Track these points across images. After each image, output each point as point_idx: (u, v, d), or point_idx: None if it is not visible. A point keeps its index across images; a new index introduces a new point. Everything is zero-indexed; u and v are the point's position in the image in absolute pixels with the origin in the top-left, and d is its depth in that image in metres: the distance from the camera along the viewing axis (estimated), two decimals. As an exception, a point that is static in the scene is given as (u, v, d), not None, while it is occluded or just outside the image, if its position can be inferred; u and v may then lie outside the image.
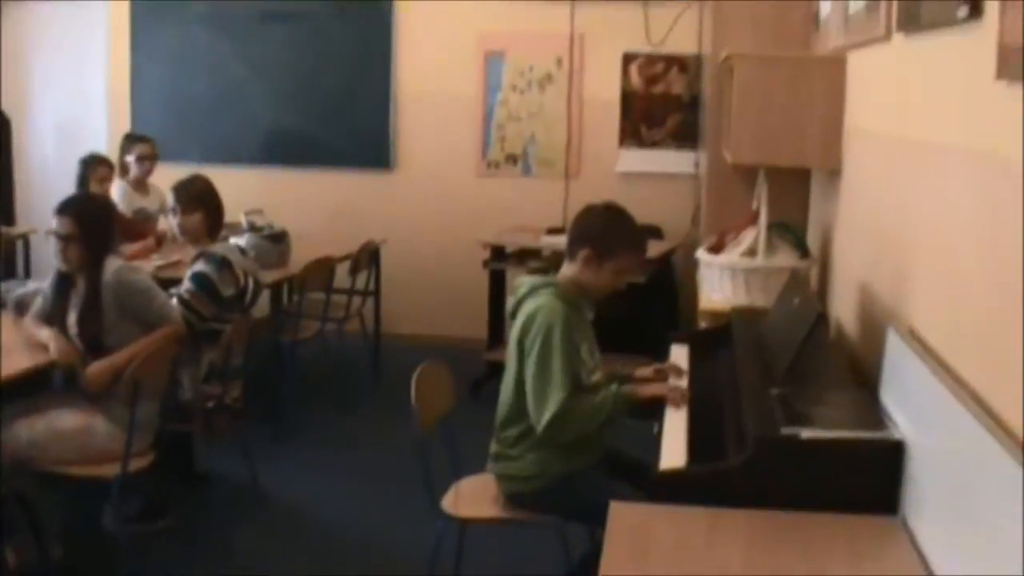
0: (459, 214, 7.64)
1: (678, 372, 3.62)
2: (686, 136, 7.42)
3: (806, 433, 2.59)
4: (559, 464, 3.32)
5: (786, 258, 4.32)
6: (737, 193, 5.09)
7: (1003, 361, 2.07)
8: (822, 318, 2.93)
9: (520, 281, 3.45)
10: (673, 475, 2.71)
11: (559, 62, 7.47)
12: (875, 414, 2.73)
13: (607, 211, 3.45)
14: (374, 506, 4.91)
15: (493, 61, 7.53)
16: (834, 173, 4.25)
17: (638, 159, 7.53)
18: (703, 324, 4.79)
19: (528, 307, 3.32)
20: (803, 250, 4.39)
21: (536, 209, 7.43)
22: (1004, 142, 2.05)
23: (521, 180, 7.66)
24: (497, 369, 6.63)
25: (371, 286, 6.88)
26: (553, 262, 6.58)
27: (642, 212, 6.91)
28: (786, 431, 2.60)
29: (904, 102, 3.07)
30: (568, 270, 3.42)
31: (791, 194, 4.94)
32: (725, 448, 2.86)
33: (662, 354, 4.08)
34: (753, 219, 4.48)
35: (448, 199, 7.71)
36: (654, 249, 5.96)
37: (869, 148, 3.62)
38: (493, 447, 3.46)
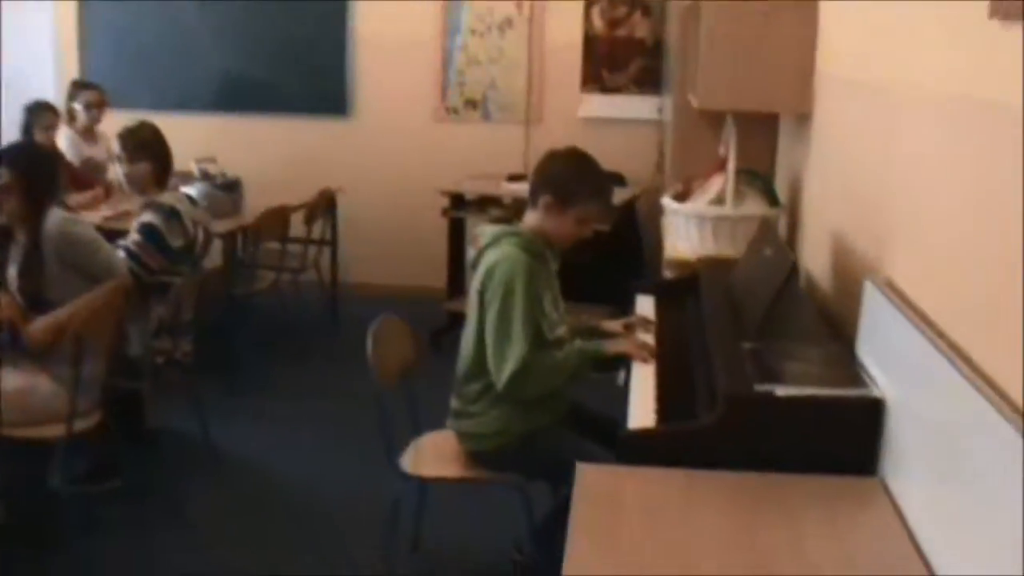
0: (418, 161, 7.45)
1: (646, 325, 3.51)
2: (649, 81, 7.26)
3: (781, 390, 2.48)
4: (522, 421, 3.21)
5: (755, 206, 4.20)
6: (703, 139, 4.95)
7: (988, 315, 1.98)
8: (795, 269, 2.81)
9: (481, 230, 3.31)
10: (642, 435, 2.60)
11: (520, 5, 7.27)
12: (852, 370, 2.62)
13: (569, 156, 3.31)
14: (332, 463, 4.77)
15: (453, 4, 7.31)
16: (804, 119, 4.13)
17: (601, 104, 7.37)
18: (668, 274, 4.69)
19: (490, 257, 3.18)
20: (772, 198, 4.28)
21: (497, 156, 7.27)
22: (998, 87, 1.93)
23: (481, 126, 7.48)
24: (457, 320, 6.52)
25: (328, 235, 6.73)
26: (514, 210, 6.45)
27: (605, 159, 6.70)
28: (760, 388, 2.49)
29: (885, 45, 2.94)
30: (531, 218, 3.28)
31: (759, 141, 4.82)
32: (696, 406, 2.76)
33: (627, 304, 3.97)
34: (720, 166, 4.35)
35: (406, 146, 7.51)
36: (617, 196, 5.82)
37: (844, 93, 3.49)
38: (454, 403, 3.34)
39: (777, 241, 3.19)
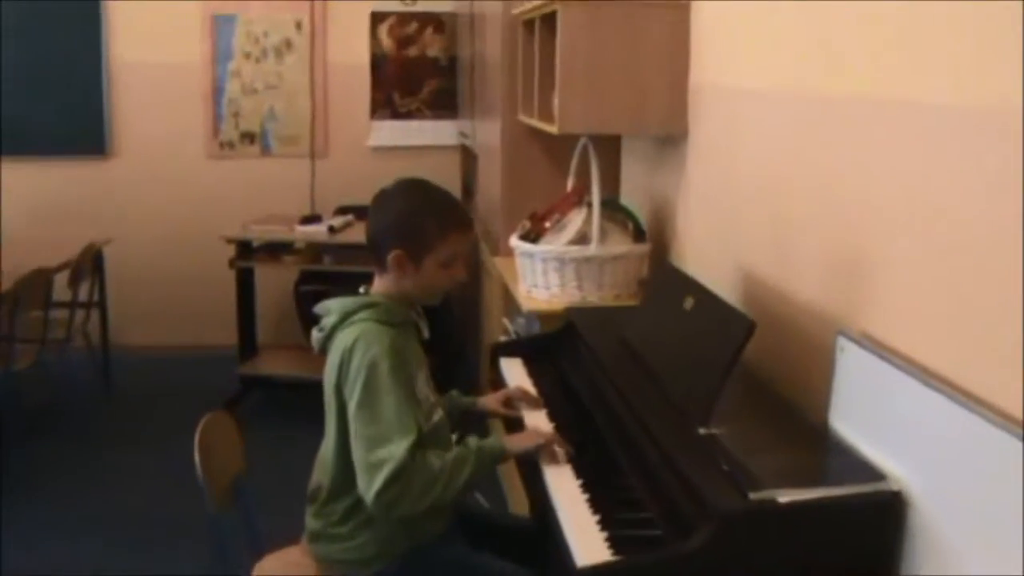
0: (192, 204, 6.61)
1: (531, 400, 2.89)
2: (445, 104, 6.70)
3: (783, 496, 1.90)
4: (404, 539, 2.52)
5: (621, 243, 3.66)
6: (539, 168, 4.40)
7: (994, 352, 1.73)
8: (752, 332, 2.25)
9: (325, 307, 2.59)
10: (609, 571, 1.97)
11: (299, 25, 6.54)
12: (850, 456, 2.08)
13: (405, 191, 2.63)
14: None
15: (222, 25, 6.49)
16: (671, 139, 3.62)
17: (393, 132, 6.76)
18: (512, 327, 4.09)
19: (342, 340, 2.48)
20: (639, 232, 3.74)
21: (282, 194, 6.54)
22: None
23: (261, 162, 6.70)
24: (253, 385, 5.84)
25: (96, 296, 5.82)
26: (308, 256, 5.74)
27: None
28: (756, 496, 1.90)
29: (796, 49, 2.46)
30: (382, 283, 2.60)
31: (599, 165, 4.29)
32: (645, 509, 2.16)
33: (456, 373, 3.32)
34: (573, 197, 3.79)
35: (178, 187, 6.64)
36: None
37: (744, 107, 2.98)
38: (312, 523, 2.61)
39: (698, 288, 2.62)
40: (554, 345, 3.31)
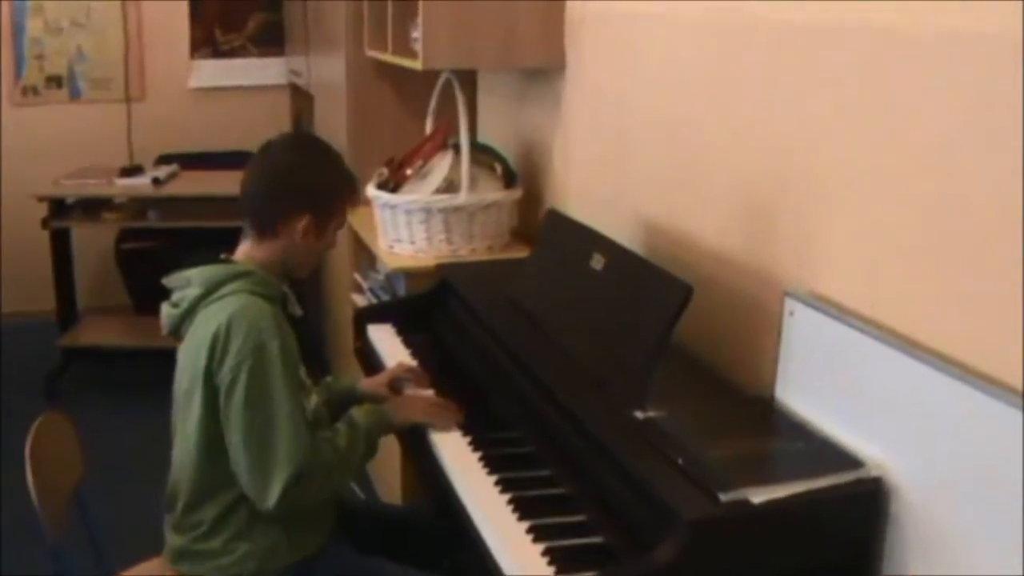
0: (-6, 157, 5.96)
1: (419, 377, 2.54)
2: (272, 40, 6.20)
3: (757, 496, 1.62)
4: (287, 548, 2.16)
5: (492, 190, 3.32)
6: (392, 108, 4.01)
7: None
8: (689, 298, 1.95)
9: (182, 278, 2.18)
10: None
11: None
12: (815, 439, 1.80)
13: (306, 150, 2.28)
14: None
15: (17, -45, 5.83)
16: (542, 73, 3.29)
17: (215, 71, 6.22)
18: (366, 285, 3.72)
19: (210, 318, 2.08)
20: (509, 177, 3.41)
21: (96, 144, 5.93)
22: None
23: (71, 108, 6.05)
24: (75, 358, 5.28)
25: None
26: (131, 212, 5.20)
27: (227, 137, 5.71)
28: (727, 497, 1.61)
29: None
30: (256, 249, 2.20)
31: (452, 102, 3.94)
32: (577, 511, 1.85)
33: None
34: (434, 140, 3.43)
35: (-25, 140, 5.98)
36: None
37: (636, 34, 2.67)
38: (174, 539, 2.21)
39: (611, 245, 2.30)
40: (428, 308, 2.97)
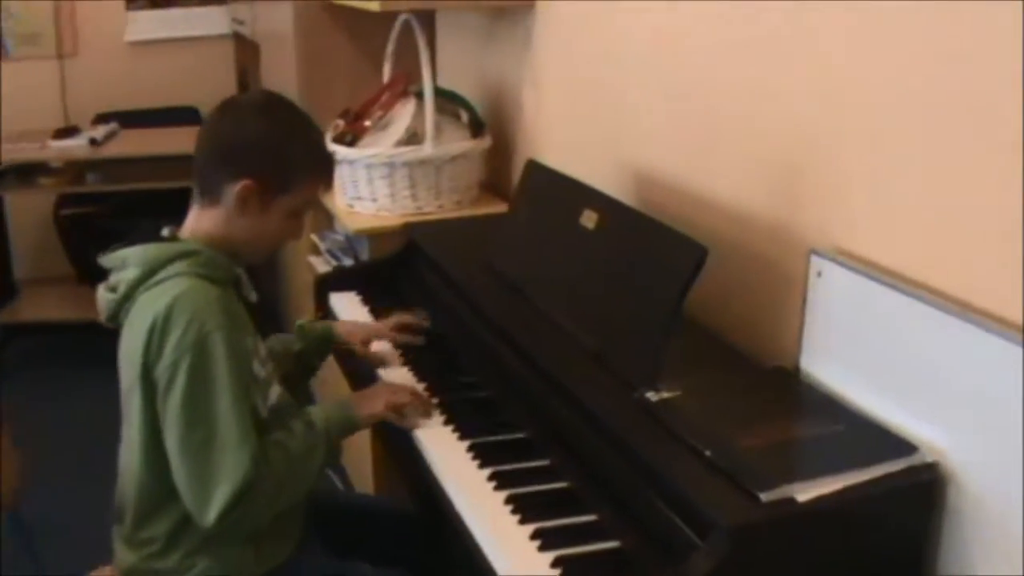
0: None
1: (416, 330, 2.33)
2: (213, -13, 5.85)
3: (802, 493, 1.38)
4: (254, 561, 1.90)
5: (458, 140, 3.06)
6: (344, 55, 3.73)
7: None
8: (703, 260, 1.70)
9: (118, 258, 1.89)
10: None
11: None
12: (858, 420, 1.57)
13: (269, 109, 1.97)
14: None
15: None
16: (508, 11, 3.02)
17: (153, 23, 5.86)
18: (324, 246, 3.46)
19: (148, 304, 1.80)
20: (476, 125, 3.14)
21: (27, 104, 5.53)
22: None
23: (-2, 67, 5.71)
24: (14, 335, 4.98)
25: None
26: (69, 176, 4.88)
27: (168, 92, 5.38)
28: (768, 497, 1.37)
29: None
30: (204, 222, 1.92)
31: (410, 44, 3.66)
32: (586, 511, 1.61)
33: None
34: (394, 89, 3.16)
35: None
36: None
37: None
38: (125, 555, 1.94)
39: (605, 200, 2.05)
40: (396, 273, 2.71)
